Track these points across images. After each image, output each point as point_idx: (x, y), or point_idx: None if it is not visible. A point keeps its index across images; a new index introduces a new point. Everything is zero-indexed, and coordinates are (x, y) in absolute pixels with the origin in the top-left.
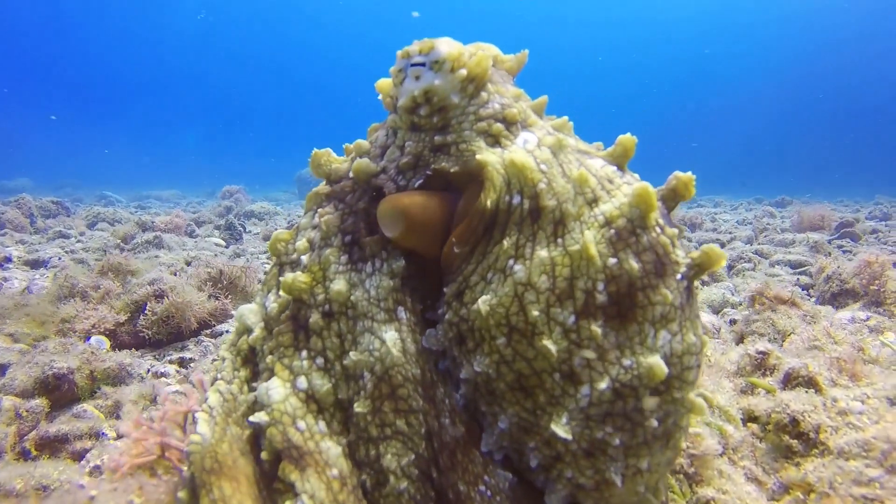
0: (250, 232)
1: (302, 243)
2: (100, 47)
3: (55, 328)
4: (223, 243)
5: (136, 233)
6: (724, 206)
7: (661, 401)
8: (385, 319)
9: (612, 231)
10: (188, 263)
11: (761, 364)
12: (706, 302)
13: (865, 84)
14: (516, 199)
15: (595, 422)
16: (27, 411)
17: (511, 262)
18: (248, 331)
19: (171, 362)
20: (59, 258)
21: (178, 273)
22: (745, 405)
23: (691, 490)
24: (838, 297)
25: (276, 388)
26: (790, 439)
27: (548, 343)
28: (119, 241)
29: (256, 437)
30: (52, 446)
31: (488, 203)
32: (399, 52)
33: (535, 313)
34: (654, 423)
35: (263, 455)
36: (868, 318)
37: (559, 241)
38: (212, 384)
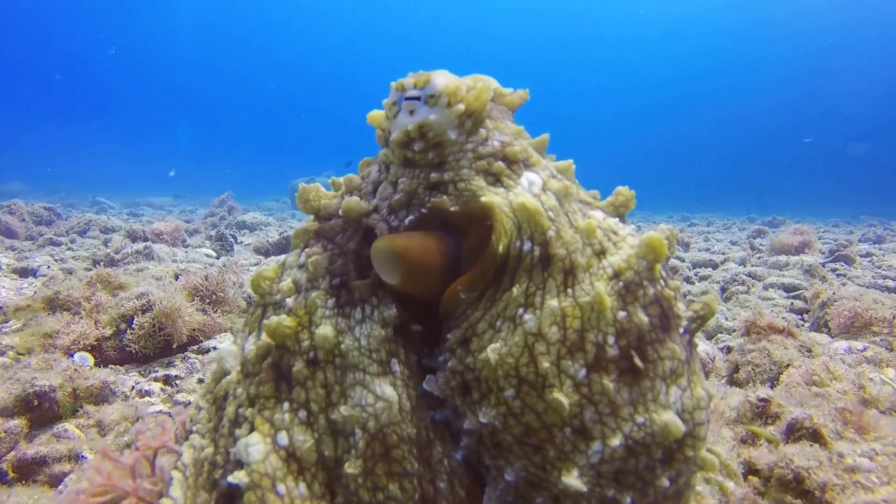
0: (241, 243)
1: (287, 284)
2: (96, 49)
3: (39, 342)
4: (214, 254)
5: (127, 243)
6: (716, 225)
7: (673, 459)
8: (378, 372)
9: (621, 284)
10: (177, 277)
11: (763, 412)
12: None
13: (854, 101)
14: (527, 246)
15: (606, 479)
16: (5, 432)
17: (521, 310)
18: (226, 375)
19: (155, 380)
20: (49, 266)
21: (166, 287)
22: (747, 457)
23: None
24: (831, 325)
25: (255, 445)
26: (794, 498)
27: (559, 396)
28: (111, 251)
29: (231, 498)
30: (30, 469)
31: (500, 248)
32: (393, 84)
33: (546, 365)
34: (666, 482)
35: None
36: (865, 349)
37: (569, 291)
38: (186, 436)
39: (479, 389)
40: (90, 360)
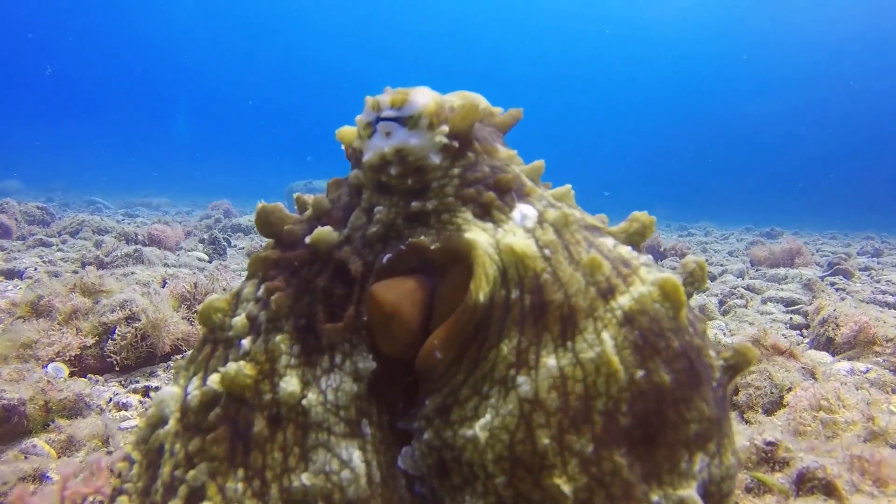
0: (235, 246)
1: (241, 320)
2: (93, 49)
3: (16, 351)
4: (206, 258)
5: (117, 246)
6: (714, 235)
7: None
8: (345, 433)
9: (637, 333)
10: (164, 282)
11: (770, 457)
12: None
13: (862, 116)
14: (515, 294)
15: None
16: None
17: (513, 371)
18: (164, 422)
19: (135, 392)
20: (36, 268)
21: (151, 295)
22: None
23: None
24: (834, 341)
25: None
26: None
27: (559, 482)
28: (101, 254)
29: None
30: None
31: (480, 297)
32: (368, 101)
33: (546, 441)
34: None
35: None
36: (868, 371)
37: (569, 344)
38: (113, 497)
39: (461, 474)
40: (65, 370)
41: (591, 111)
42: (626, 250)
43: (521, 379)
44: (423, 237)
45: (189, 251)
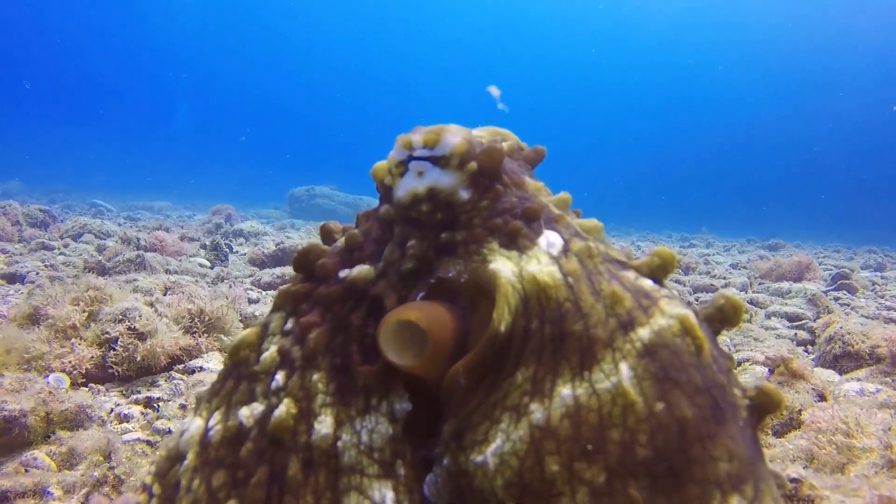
0: (237, 252)
1: (270, 355)
2: (94, 49)
3: (17, 360)
4: (208, 264)
5: (120, 250)
6: (716, 247)
7: None
8: (379, 475)
9: (657, 365)
10: (166, 291)
11: (794, 495)
12: None
13: (864, 127)
14: (535, 324)
15: None
16: None
17: (526, 399)
18: (183, 457)
19: (136, 402)
20: (38, 272)
21: (153, 304)
22: None
23: None
24: (841, 359)
25: None
26: None
27: None
28: (103, 259)
29: None
30: None
31: (502, 327)
32: (400, 140)
33: (555, 468)
34: None
35: None
36: (878, 392)
37: (585, 374)
38: None
39: (474, 499)
40: (66, 381)
41: (586, 120)
42: (648, 283)
43: (533, 406)
44: (451, 268)
45: (191, 257)
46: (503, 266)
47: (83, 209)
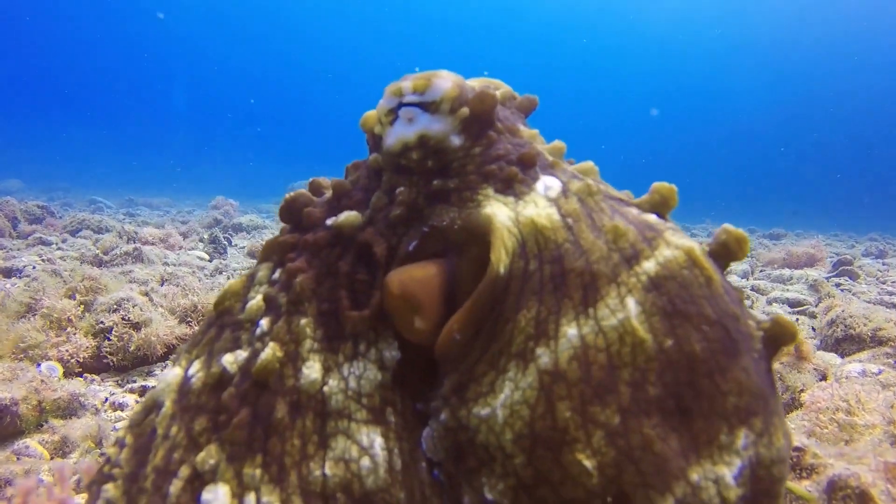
0: (236, 246)
1: (256, 303)
2: (95, 48)
3: (11, 349)
4: (206, 257)
5: (117, 244)
6: None
7: None
8: (367, 420)
9: (665, 299)
10: (162, 283)
11: (797, 464)
12: None
13: (864, 115)
14: (534, 264)
15: None
16: None
17: (531, 343)
18: (158, 405)
19: (131, 391)
20: (34, 266)
21: (149, 293)
22: None
23: None
24: (842, 342)
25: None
26: None
27: (581, 457)
28: (100, 252)
29: None
30: None
31: (501, 269)
32: (389, 88)
33: (567, 414)
34: None
35: None
36: (880, 372)
37: (590, 311)
38: (102, 481)
39: (477, 456)
40: (59, 369)
41: (586, 109)
42: (652, 217)
43: (539, 350)
44: (444, 216)
45: (189, 250)
46: (498, 210)
47: (82, 206)
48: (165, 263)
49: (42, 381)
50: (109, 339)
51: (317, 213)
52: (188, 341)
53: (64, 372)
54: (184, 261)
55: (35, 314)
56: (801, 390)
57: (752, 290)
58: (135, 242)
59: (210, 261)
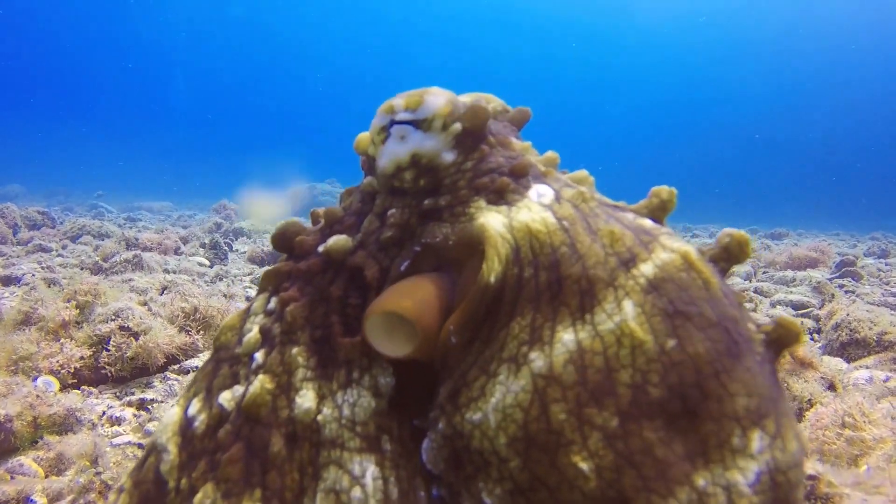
0: (237, 251)
1: (253, 335)
2: (97, 50)
3: (6, 362)
4: (207, 263)
5: (117, 251)
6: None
7: None
8: (361, 448)
9: (665, 300)
10: (162, 291)
11: (812, 493)
12: None
13: (868, 115)
14: (529, 272)
15: None
16: None
17: (524, 348)
18: (161, 451)
19: (129, 405)
20: (33, 274)
21: (148, 303)
22: None
23: None
24: (848, 347)
25: None
26: None
27: (577, 460)
28: (99, 259)
29: None
30: None
31: (492, 278)
32: (381, 107)
33: (563, 416)
34: None
35: None
36: (888, 379)
37: (587, 317)
38: None
39: (473, 462)
40: (55, 384)
41: (589, 113)
42: (647, 221)
43: (533, 355)
44: (437, 233)
45: (190, 256)
46: (492, 218)
47: (83, 211)
48: (165, 270)
49: (38, 396)
50: (108, 350)
51: (309, 241)
52: (189, 380)
53: (60, 386)
54: (184, 267)
55: (31, 325)
56: (809, 400)
57: (756, 292)
58: (135, 249)
59: (210, 266)
